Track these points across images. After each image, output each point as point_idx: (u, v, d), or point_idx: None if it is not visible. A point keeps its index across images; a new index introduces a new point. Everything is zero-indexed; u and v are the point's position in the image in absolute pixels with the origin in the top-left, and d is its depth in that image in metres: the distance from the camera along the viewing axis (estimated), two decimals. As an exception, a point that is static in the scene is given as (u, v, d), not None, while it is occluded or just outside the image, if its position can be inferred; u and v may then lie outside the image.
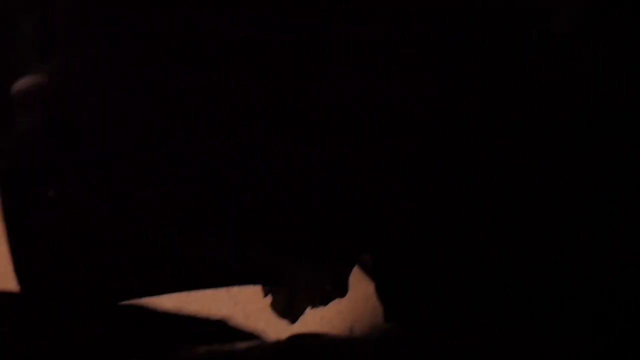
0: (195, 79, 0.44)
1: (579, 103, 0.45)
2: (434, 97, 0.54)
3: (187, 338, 0.43)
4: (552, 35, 0.44)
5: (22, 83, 0.44)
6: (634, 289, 0.37)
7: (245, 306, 1.56)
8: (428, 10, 0.43)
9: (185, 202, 0.52)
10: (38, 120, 0.46)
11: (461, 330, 0.45)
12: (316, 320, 1.24)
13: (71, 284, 0.58)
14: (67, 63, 0.44)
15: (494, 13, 0.43)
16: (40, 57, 0.44)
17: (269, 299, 1.04)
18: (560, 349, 0.36)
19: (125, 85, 0.45)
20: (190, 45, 0.42)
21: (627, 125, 0.46)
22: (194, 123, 0.47)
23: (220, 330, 0.46)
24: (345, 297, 0.95)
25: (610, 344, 0.35)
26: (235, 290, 1.59)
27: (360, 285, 0.92)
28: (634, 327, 0.35)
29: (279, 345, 0.45)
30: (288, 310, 0.93)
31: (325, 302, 0.92)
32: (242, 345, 0.45)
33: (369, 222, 0.69)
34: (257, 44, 0.46)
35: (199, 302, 1.54)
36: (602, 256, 0.40)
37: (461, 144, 0.59)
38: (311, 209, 0.60)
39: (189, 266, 0.66)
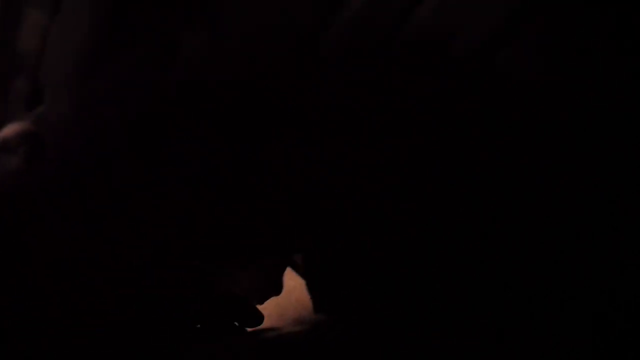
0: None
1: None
2: (432, 96, 0.55)
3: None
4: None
5: (8, 129, 0.48)
6: (634, 289, 0.37)
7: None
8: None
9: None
10: (20, 160, 0.49)
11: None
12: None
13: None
14: (52, 111, 0.48)
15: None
16: (26, 106, 0.47)
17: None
18: (560, 349, 0.37)
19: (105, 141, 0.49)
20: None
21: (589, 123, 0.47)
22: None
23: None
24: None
25: (610, 344, 0.36)
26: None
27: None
28: (634, 327, 0.35)
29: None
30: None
31: (261, 300, 0.93)
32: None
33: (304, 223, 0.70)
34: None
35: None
36: (602, 256, 0.41)
37: (458, 144, 0.61)
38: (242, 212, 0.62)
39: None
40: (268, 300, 0.99)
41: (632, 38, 0.50)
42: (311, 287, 1.03)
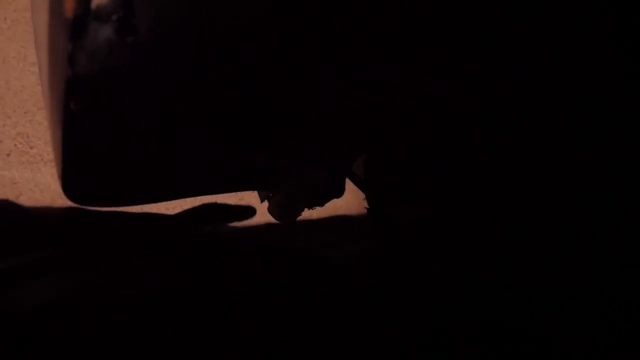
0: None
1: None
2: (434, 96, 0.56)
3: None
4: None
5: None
6: (634, 289, 0.37)
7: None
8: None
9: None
10: (112, 30, 0.50)
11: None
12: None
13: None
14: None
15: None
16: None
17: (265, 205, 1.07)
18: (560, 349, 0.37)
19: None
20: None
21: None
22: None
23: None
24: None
25: (610, 344, 0.36)
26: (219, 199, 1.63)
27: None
28: (634, 327, 0.35)
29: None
30: (285, 213, 0.96)
31: (322, 202, 0.94)
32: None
33: (363, 127, 0.72)
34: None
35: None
36: (602, 256, 0.41)
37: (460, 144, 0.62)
38: (307, 115, 0.65)
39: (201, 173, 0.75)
40: (312, 212, 1.02)
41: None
42: (369, 197, 1.06)
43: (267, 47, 0.55)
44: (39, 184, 1.52)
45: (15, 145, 1.55)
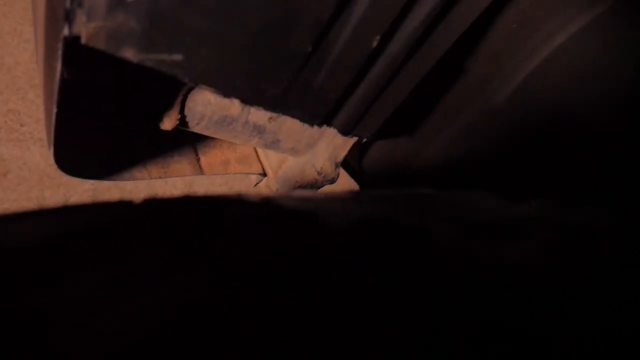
0: None
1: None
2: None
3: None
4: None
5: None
6: (634, 288, 0.36)
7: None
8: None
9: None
10: None
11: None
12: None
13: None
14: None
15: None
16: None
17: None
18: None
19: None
20: None
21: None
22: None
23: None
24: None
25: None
26: (205, 186, 1.61)
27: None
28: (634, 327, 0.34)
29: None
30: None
31: (316, 187, 0.94)
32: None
33: None
34: None
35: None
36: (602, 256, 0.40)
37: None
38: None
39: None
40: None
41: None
42: (362, 187, 1.05)
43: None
44: (28, 162, 1.50)
45: (6, 122, 1.53)
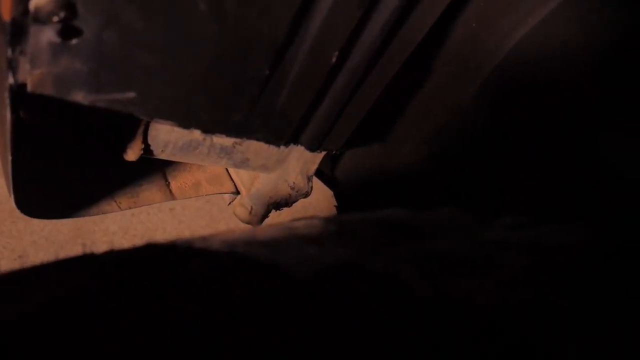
0: None
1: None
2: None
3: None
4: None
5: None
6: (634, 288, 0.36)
7: (190, 224, 1.57)
8: None
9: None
10: (54, 33, 0.47)
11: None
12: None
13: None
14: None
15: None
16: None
17: (213, 215, 1.05)
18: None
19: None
20: None
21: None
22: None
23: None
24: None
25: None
26: (179, 209, 1.59)
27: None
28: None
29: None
30: (252, 214, 0.93)
31: (289, 203, 0.93)
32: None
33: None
34: None
35: (144, 224, 1.54)
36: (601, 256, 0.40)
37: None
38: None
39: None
40: (281, 213, 1.00)
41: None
42: (337, 195, 1.04)
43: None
44: (-3, 195, 1.46)
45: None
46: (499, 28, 0.75)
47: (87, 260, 0.41)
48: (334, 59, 0.61)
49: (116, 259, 0.40)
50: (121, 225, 1.55)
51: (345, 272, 0.33)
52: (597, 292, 0.33)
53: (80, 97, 0.52)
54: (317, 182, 1.03)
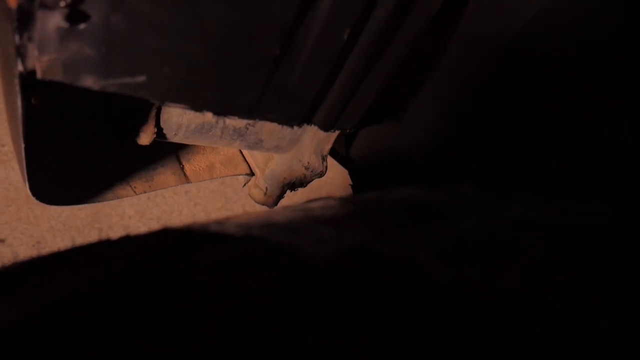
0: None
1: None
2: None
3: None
4: None
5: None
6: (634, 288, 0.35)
7: (205, 206, 1.57)
8: None
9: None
10: (61, 18, 0.46)
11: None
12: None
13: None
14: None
15: None
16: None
17: (229, 197, 1.04)
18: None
19: None
20: None
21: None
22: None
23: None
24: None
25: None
26: (194, 191, 1.59)
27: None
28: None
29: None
30: (266, 195, 0.93)
31: (304, 183, 0.92)
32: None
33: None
34: None
35: (159, 207, 1.54)
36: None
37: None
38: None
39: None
40: (296, 193, 0.99)
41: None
42: (353, 173, 1.03)
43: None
44: (13, 182, 1.47)
45: (-14, 144, 1.49)
46: (514, 2, 0.74)
47: (103, 247, 0.40)
48: (345, 37, 0.60)
49: (132, 245, 0.40)
50: (137, 209, 1.55)
51: (362, 257, 0.32)
52: (622, 284, 0.33)
53: (90, 82, 0.51)
54: (331, 161, 1.02)
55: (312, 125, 0.74)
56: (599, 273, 0.34)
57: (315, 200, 0.56)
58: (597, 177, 0.72)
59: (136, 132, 0.74)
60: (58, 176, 0.76)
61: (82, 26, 0.47)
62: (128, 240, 0.41)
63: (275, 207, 0.81)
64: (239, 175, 0.94)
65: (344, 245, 0.33)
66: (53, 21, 0.47)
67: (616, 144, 0.72)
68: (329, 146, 0.85)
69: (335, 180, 1.31)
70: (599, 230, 0.35)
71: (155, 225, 1.56)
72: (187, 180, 0.89)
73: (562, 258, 0.32)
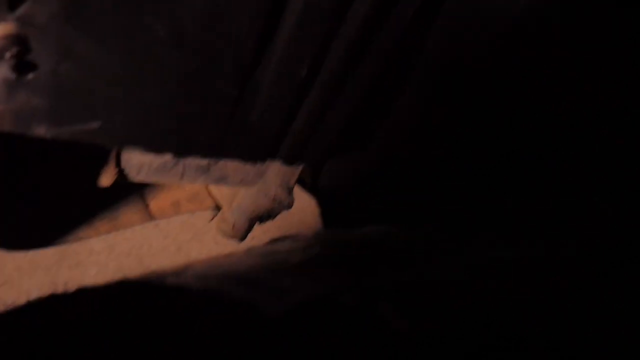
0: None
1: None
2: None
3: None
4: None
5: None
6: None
7: (176, 238, 1.55)
8: None
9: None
10: (8, 68, 0.45)
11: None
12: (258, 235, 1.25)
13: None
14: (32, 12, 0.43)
15: None
16: (9, 5, 0.42)
17: (199, 228, 1.02)
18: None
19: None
20: None
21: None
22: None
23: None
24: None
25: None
26: (164, 223, 1.57)
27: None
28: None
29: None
30: (234, 229, 0.92)
31: (272, 216, 0.91)
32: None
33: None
34: None
35: (129, 241, 1.52)
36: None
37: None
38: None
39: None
40: (269, 222, 0.98)
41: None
42: (321, 202, 1.03)
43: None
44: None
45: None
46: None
47: (55, 302, 0.39)
48: (303, 73, 0.60)
49: (86, 300, 0.39)
50: (106, 244, 1.52)
51: (319, 308, 0.31)
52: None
53: (42, 131, 0.50)
54: (301, 190, 1.02)
55: (277, 159, 0.73)
56: (599, 273, 0.34)
57: (281, 239, 0.55)
58: (597, 177, 0.72)
59: (96, 174, 0.72)
60: (18, 221, 0.74)
61: (30, 76, 0.46)
62: (83, 293, 0.40)
63: (238, 250, 0.80)
64: (205, 210, 0.93)
65: (305, 296, 0.32)
66: (0, 72, 0.46)
67: (616, 144, 0.73)
68: (294, 178, 0.85)
69: (304, 209, 1.30)
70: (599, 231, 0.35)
71: (125, 260, 1.53)
72: (152, 218, 0.87)
73: (515, 300, 0.32)
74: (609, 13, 0.68)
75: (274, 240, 0.57)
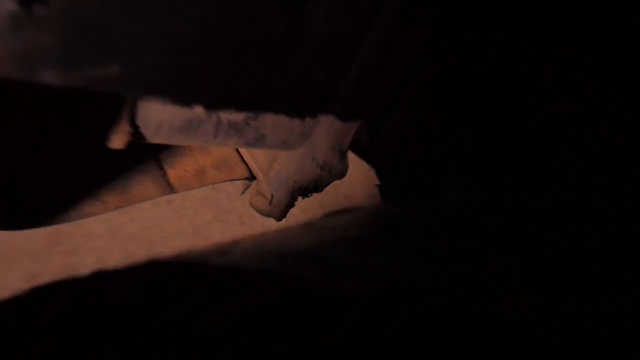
0: None
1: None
2: None
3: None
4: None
5: None
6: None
7: (193, 219, 1.58)
8: None
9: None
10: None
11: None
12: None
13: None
14: None
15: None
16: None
17: (222, 206, 1.04)
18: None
19: None
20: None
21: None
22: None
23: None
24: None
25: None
26: (179, 200, 1.60)
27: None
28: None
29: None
30: (272, 204, 0.94)
31: (319, 187, 0.92)
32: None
33: None
34: None
35: (136, 222, 1.55)
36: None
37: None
38: None
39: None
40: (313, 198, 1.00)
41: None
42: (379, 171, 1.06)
43: None
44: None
45: None
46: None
47: (70, 288, 0.41)
48: (366, 3, 0.60)
49: (105, 288, 0.41)
50: (108, 225, 1.56)
51: (404, 288, 0.33)
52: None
53: (51, 77, 0.52)
54: (351, 155, 1.03)
55: (328, 115, 0.74)
56: (599, 273, 0.36)
57: (335, 213, 0.58)
58: (597, 177, 0.79)
59: (107, 134, 0.74)
60: (7, 195, 0.77)
61: (39, 9, 0.48)
62: (99, 277, 0.41)
63: (288, 224, 0.82)
64: (236, 180, 0.95)
65: (387, 275, 0.34)
66: (5, 5, 0.47)
67: (616, 144, 0.79)
68: (349, 139, 0.86)
69: (354, 179, 1.31)
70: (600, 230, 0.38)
71: (131, 246, 1.56)
72: (171, 189, 0.89)
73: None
74: (609, 13, 0.76)
75: (328, 215, 0.59)
